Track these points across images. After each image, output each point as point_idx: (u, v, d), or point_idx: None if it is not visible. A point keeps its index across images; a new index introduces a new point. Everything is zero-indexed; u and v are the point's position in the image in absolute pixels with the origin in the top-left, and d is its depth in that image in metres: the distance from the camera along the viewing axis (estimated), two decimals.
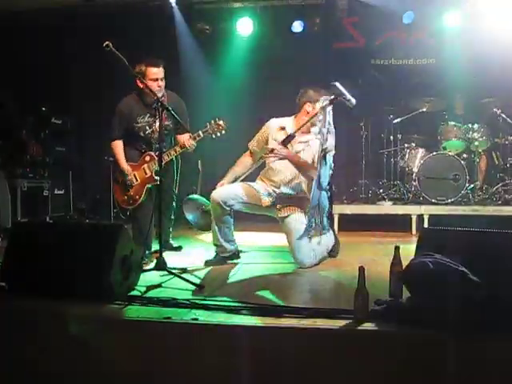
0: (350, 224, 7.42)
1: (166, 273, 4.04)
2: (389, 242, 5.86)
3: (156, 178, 5.03)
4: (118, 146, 5.17)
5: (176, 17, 8.56)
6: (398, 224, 7.17)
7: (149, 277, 3.99)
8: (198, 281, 4.00)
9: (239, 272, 4.53)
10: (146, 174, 5.16)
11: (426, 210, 7.09)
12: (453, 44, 8.45)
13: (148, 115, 5.13)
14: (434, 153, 7.36)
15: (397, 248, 3.22)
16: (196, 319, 3.00)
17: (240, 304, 3.25)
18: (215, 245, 4.86)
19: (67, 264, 3.45)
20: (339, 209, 7.36)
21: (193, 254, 5.43)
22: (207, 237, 6.12)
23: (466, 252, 2.94)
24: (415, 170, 7.42)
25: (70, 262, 3.46)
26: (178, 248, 5.58)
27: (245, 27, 8.53)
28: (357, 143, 8.02)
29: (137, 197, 5.14)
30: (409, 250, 3.39)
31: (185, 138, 5.09)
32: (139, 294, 3.59)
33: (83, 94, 8.54)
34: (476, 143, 7.49)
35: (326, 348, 2.80)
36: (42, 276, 3.44)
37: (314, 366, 2.79)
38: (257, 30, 8.54)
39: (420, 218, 7.12)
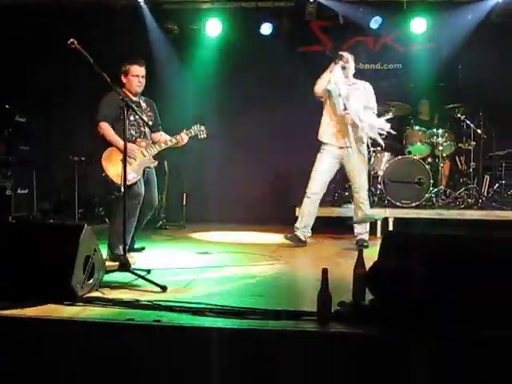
0: (317, 226, 7.43)
1: (129, 274, 4.01)
2: (354, 245, 5.92)
3: (154, 160, 5.33)
4: (107, 127, 5.12)
5: (145, 16, 8.50)
6: None
7: (112, 277, 3.95)
8: (161, 282, 3.97)
9: (204, 274, 4.51)
10: (144, 155, 5.23)
11: (391, 213, 7.17)
12: (419, 50, 8.60)
13: (134, 104, 5.15)
14: (400, 157, 7.46)
15: (360, 250, 3.26)
16: (159, 321, 2.98)
17: (203, 306, 3.23)
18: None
19: (28, 264, 3.40)
20: None
21: (156, 255, 5.40)
22: (169, 240, 6.12)
23: (428, 255, 2.97)
24: (381, 173, 7.50)
25: (31, 263, 3.40)
26: (141, 249, 5.55)
27: (213, 28, 8.50)
28: None
29: (134, 175, 5.13)
30: (373, 252, 3.42)
31: (181, 134, 5.37)
32: (102, 294, 3.55)
33: (49, 93, 8.42)
34: (440, 148, 7.60)
35: (289, 349, 2.80)
36: (1, 277, 3.38)
37: (278, 367, 2.79)
38: (225, 31, 8.52)
39: (385, 221, 7.19)
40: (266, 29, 8.55)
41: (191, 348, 2.86)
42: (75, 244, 3.42)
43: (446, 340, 2.69)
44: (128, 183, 4.99)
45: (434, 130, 7.67)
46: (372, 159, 7.80)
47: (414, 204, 7.26)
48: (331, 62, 5.99)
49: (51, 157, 8.59)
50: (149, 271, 4.29)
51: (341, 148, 5.97)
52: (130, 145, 5.05)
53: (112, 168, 5.04)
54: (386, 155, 7.74)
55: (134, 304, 3.31)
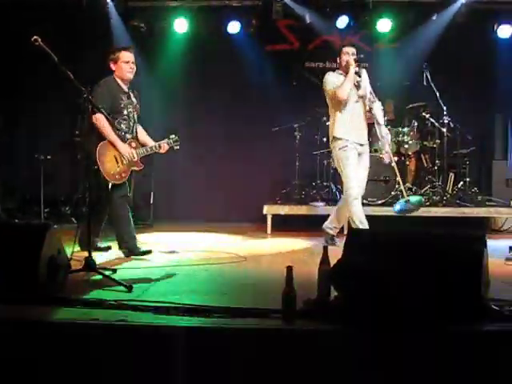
0: (284, 224, 7.50)
1: (94, 273, 3.98)
2: (320, 242, 5.96)
3: (141, 164, 5.26)
4: (103, 119, 4.99)
5: (111, 13, 8.43)
6: None
7: (77, 277, 3.91)
8: (127, 281, 3.95)
9: (169, 272, 4.50)
10: (134, 157, 5.17)
11: None
12: (386, 49, 8.70)
13: (125, 96, 5.26)
14: None
15: (325, 248, 3.28)
16: (124, 320, 2.96)
17: (169, 304, 3.22)
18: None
19: None
20: (273, 209, 7.43)
21: (123, 254, 5.36)
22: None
23: (391, 252, 3.02)
24: None
25: None
26: (106, 248, 5.51)
27: (180, 26, 8.47)
28: (290, 144, 8.10)
29: (123, 174, 5.11)
30: (340, 249, 3.45)
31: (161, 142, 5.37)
32: (67, 295, 3.52)
33: (14, 91, 8.29)
34: (406, 146, 7.70)
35: (254, 347, 2.82)
36: None
37: (243, 365, 2.80)
38: (193, 29, 8.50)
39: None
40: (234, 27, 8.56)
41: (156, 347, 2.85)
42: (39, 244, 3.38)
43: (409, 333, 2.73)
44: (118, 182, 5.09)
45: (400, 129, 7.77)
46: None
47: (380, 202, 7.34)
48: (348, 65, 5.77)
49: (16, 155, 8.48)
50: (114, 271, 4.28)
51: (361, 145, 5.85)
52: (125, 147, 5.10)
53: (106, 163, 5.01)
54: None
55: (98, 304, 3.28)
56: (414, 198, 6.32)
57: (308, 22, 8.46)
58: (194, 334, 2.88)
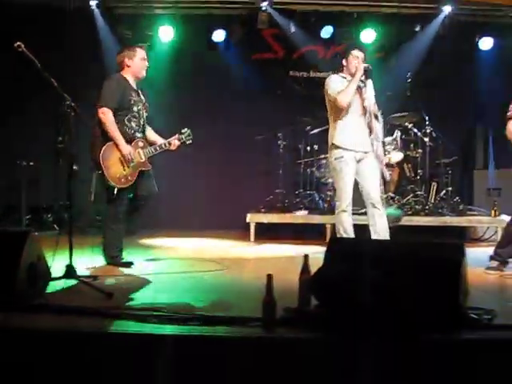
0: (267, 232, 7.51)
1: (75, 281, 3.96)
2: (303, 251, 5.96)
3: (149, 164, 5.13)
4: (111, 115, 4.89)
5: (97, 20, 8.44)
6: (314, 233, 7.31)
7: (58, 285, 3.89)
8: (107, 289, 3.93)
9: (151, 280, 4.49)
10: (141, 158, 5.06)
11: None
12: (369, 59, 8.74)
13: (135, 94, 5.16)
14: None
15: (306, 256, 3.29)
16: (104, 328, 2.95)
17: (149, 312, 3.21)
18: None
19: None
20: (256, 218, 7.45)
21: (104, 261, 5.33)
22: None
23: (371, 261, 3.04)
24: (330, 180, 7.59)
25: None
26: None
27: (166, 34, 8.49)
28: (274, 153, 8.14)
29: (129, 177, 4.98)
30: (321, 258, 3.46)
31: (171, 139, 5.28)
32: (47, 302, 3.49)
33: None
34: (389, 156, 7.75)
35: (234, 356, 2.81)
36: None
37: (222, 373, 2.80)
38: (178, 37, 8.52)
39: (335, 227, 7.27)
40: (219, 36, 8.60)
41: (137, 355, 2.84)
42: (19, 251, 3.35)
43: (387, 342, 2.75)
44: (124, 185, 4.97)
45: (383, 138, 7.82)
46: (322, 166, 7.91)
47: (363, 210, 7.35)
48: (354, 72, 5.38)
49: None
50: (95, 278, 4.26)
51: (364, 152, 5.44)
52: (127, 147, 4.94)
53: (111, 167, 4.89)
54: None
55: (79, 311, 3.26)
56: (392, 211, 6.28)
57: (292, 31, 8.52)
58: (174, 342, 2.87)
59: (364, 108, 5.44)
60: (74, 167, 4.29)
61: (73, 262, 4.05)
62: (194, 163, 8.41)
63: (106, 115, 4.86)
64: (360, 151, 5.38)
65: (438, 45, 8.43)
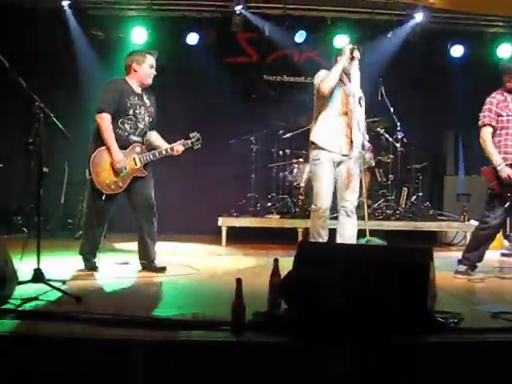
0: (239, 236, 7.51)
1: (43, 285, 3.90)
2: (275, 255, 5.97)
3: (145, 171, 5.03)
4: (108, 120, 4.81)
5: (69, 20, 8.37)
6: (286, 237, 7.32)
7: (25, 289, 3.83)
8: (77, 293, 3.88)
9: (121, 284, 4.46)
10: (135, 164, 4.97)
11: None
12: None
13: (137, 97, 5.03)
14: None
15: (276, 260, 3.31)
16: (72, 333, 2.92)
17: (118, 317, 3.18)
18: None
19: None
20: (228, 221, 7.44)
21: (74, 265, 5.28)
22: None
23: (339, 265, 3.06)
24: (302, 184, 7.63)
25: None
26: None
27: (139, 36, 8.45)
28: (247, 157, 8.15)
29: (120, 184, 4.90)
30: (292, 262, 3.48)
31: (175, 144, 5.19)
32: (13, 307, 3.44)
33: None
34: (360, 160, 7.79)
35: (202, 360, 2.80)
36: None
37: (190, 378, 2.79)
38: (151, 39, 8.48)
39: (306, 231, 7.30)
40: (193, 39, 8.59)
41: (106, 360, 2.81)
42: None
43: (356, 345, 2.77)
44: (111, 192, 4.92)
45: None
46: (294, 170, 7.95)
47: (334, 214, 7.40)
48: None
49: None
50: (64, 282, 4.21)
51: (344, 155, 5.25)
52: (119, 155, 4.84)
53: (100, 173, 4.83)
54: (308, 166, 7.87)
55: (46, 316, 3.22)
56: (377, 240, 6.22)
57: (266, 35, 8.55)
58: (142, 346, 2.85)
59: (346, 105, 5.24)
60: (45, 169, 4.22)
61: (41, 266, 3.98)
62: (165, 166, 8.36)
63: (104, 120, 4.80)
64: (337, 153, 5.19)
65: (409, 51, 8.55)
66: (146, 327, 3.02)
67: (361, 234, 5.30)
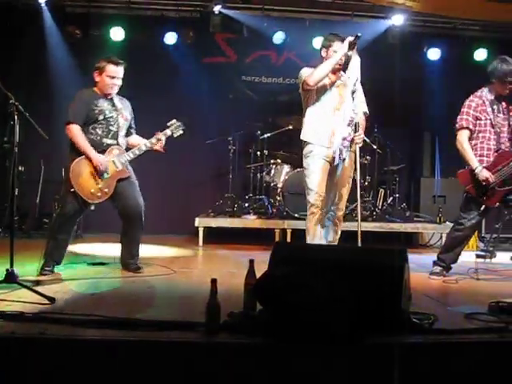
0: (216, 237, 7.49)
1: (16, 285, 3.86)
2: (251, 256, 5.97)
3: (129, 171, 4.96)
4: (77, 129, 4.73)
5: (45, 17, 8.28)
6: (263, 237, 7.32)
7: None
8: (50, 293, 3.84)
9: (96, 284, 4.42)
10: (116, 167, 4.88)
11: (289, 225, 7.29)
12: None
13: (107, 103, 4.94)
14: (299, 169, 7.58)
15: (251, 261, 3.31)
16: (44, 333, 2.88)
17: (92, 317, 3.15)
18: None
19: None
20: (204, 222, 7.41)
21: None
22: None
23: (313, 265, 3.06)
24: (280, 185, 7.63)
25: None
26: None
27: (117, 35, 8.39)
28: (224, 157, 8.14)
29: (106, 190, 4.82)
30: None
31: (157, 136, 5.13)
32: None
33: None
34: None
35: (177, 361, 2.79)
36: None
37: (166, 379, 2.77)
38: (129, 38, 8.42)
39: (283, 232, 7.32)
40: (171, 38, 8.55)
41: (76, 361, 2.78)
42: None
43: (331, 346, 2.77)
44: (99, 200, 4.84)
45: None
46: (272, 171, 7.96)
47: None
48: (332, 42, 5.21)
49: None
50: (38, 282, 4.16)
51: (329, 148, 5.06)
52: (98, 157, 4.77)
53: (83, 183, 4.73)
54: (286, 167, 7.90)
55: (17, 317, 3.17)
56: None
57: (245, 36, 8.55)
58: (117, 347, 2.82)
59: (340, 101, 5.08)
60: (20, 168, 4.17)
61: (14, 266, 3.93)
62: (142, 166, 8.31)
63: (72, 130, 4.73)
64: (329, 147, 5.02)
65: (387, 53, 8.59)
66: (120, 327, 2.99)
67: (353, 236, 5.22)
